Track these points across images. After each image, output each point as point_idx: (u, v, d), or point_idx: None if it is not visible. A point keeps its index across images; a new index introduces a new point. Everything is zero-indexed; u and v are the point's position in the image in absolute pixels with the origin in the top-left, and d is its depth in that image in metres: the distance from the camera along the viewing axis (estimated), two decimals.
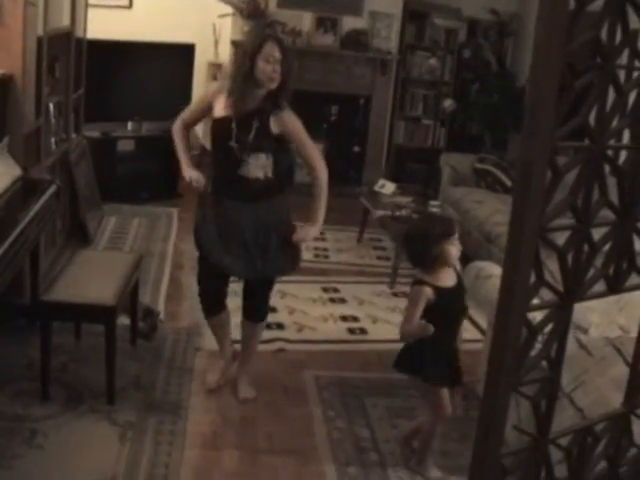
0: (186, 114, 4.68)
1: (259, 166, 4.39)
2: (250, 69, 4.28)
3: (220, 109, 4.42)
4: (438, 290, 3.87)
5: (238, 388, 4.80)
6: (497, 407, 2.01)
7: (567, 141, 1.96)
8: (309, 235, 4.54)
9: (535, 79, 1.85)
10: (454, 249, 3.91)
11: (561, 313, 2.14)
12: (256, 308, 4.76)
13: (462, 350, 5.53)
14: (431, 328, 3.74)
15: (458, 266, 4.05)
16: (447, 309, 3.95)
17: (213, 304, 4.76)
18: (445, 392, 4.02)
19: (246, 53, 4.35)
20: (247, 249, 4.44)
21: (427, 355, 3.97)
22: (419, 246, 3.92)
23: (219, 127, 4.43)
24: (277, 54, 4.26)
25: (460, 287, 4.03)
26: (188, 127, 4.68)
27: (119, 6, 8.99)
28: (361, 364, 5.29)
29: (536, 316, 2.14)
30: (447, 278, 3.95)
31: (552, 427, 2.29)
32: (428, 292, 3.86)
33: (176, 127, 4.68)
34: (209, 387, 4.79)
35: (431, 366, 3.98)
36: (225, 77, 4.50)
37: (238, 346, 4.96)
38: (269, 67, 4.26)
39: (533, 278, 2.01)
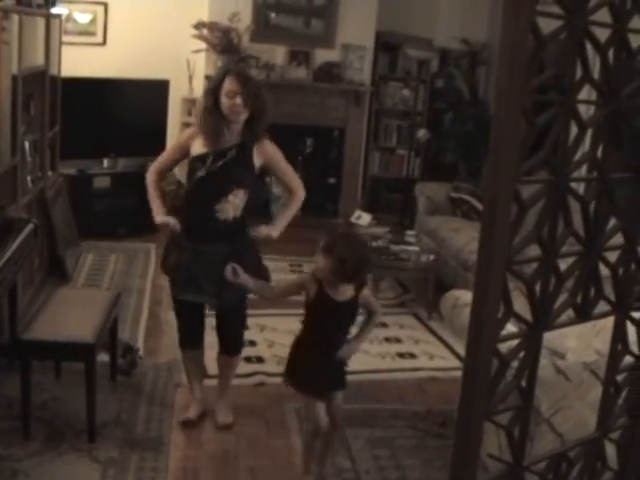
0: (161, 160, 4.70)
1: (234, 205, 4.45)
2: (215, 106, 4.38)
3: (198, 147, 4.48)
4: (322, 294, 3.95)
5: (216, 415, 4.84)
6: (471, 436, 2.05)
7: (532, 171, 2.01)
8: (269, 233, 4.58)
9: (498, 116, 1.90)
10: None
11: (531, 342, 2.18)
12: (230, 342, 4.80)
13: (440, 378, 5.60)
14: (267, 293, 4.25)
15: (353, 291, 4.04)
16: (322, 317, 4.03)
17: (190, 337, 4.80)
18: (315, 403, 4.07)
19: (209, 91, 4.45)
20: (213, 283, 4.47)
21: (299, 363, 4.09)
22: (352, 263, 3.92)
23: (196, 164, 4.47)
24: (235, 87, 4.32)
25: (347, 306, 4.02)
26: (163, 173, 4.71)
27: (93, 43, 9.03)
28: (342, 396, 5.29)
29: (507, 345, 2.19)
30: (339, 292, 3.97)
31: (533, 452, 2.33)
32: (309, 286, 4.01)
33: (150, 175, 4.69)
34: (186, 418, 4.79)
35: (300, 375, 4.08)
36: (195, 117, 4.55)
37: (212, 382, 4.99)
38: (230, 101, 4.34)
39: (502, 310, 2.06)
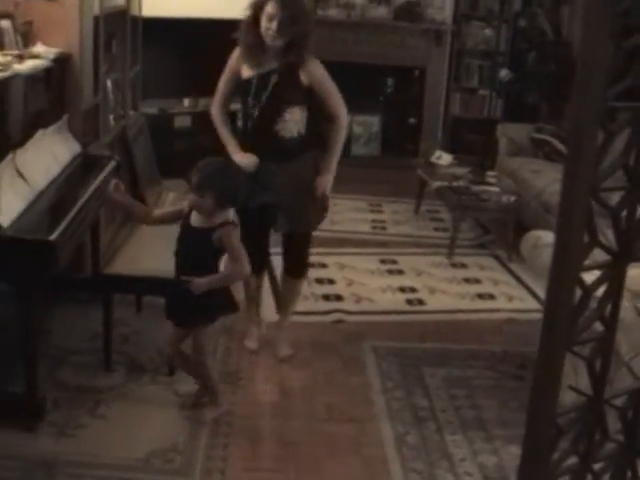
0: (219, 94, 4.75)
1: (294, 121, 4.47)
2: (255, 23, 4.39)
3: (245, 70, 4.52)
4: (186, 219, 4.02)
5: (277, 348, 4.90)
6: (552, 366, 2.02)
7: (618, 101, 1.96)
8: (325, 183, 4.58)
9: (586, 38, 1.85)
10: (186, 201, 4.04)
11: (615, 273, 2.14)
12: (295, 264, 4.85)
13: (519, 320, 5.56)
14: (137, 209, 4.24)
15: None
16: (179, 240, 4.06)
17: (253, 262, 4.81)
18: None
19: (252, 5, 4.43)
20: (279, 205, 4.54)
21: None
22: None
23: (245, 88, 4.52)
24: (273, 10, 4.30)
25: (201, 233, 3.96)
26: (226, 106, 4.76)
27: None
28: (419, 335, 5.30)
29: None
30: (197, 218, 3.99)
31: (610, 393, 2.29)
32: (184, 211, 4.07)
33: (214, 111, 4.76)
34: (251, 350, 4.91)
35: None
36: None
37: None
38: (266, 24, 4.33)
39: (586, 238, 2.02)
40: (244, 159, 4.53)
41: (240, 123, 4.68)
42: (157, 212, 4.22)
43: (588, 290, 2.06)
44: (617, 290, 2.16)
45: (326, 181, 4.60)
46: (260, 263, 4.83)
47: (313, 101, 4.53)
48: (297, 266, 4.86)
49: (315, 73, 4.49)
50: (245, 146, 4.58)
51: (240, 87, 4.57)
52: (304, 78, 4.44)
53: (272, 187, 4.51)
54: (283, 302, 5.02)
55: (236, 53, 4.63)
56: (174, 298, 4.08)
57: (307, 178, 4.56)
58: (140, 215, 4.29)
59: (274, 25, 4.30)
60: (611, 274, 2.13)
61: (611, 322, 2.19)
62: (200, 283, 3.87)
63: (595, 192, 1.94)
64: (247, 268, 4.01)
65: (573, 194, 1.89)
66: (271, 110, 4.45)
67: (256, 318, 5.02)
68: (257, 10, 4.37)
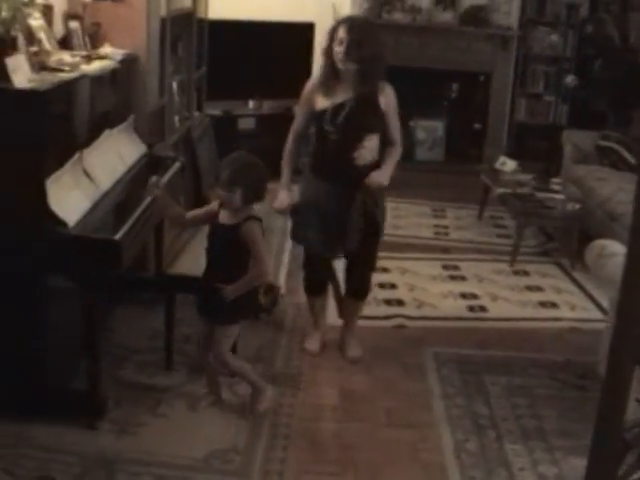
0: (296, 124, 4.76)
1: (370, 149, 4.49)
2: (330, 51, 4.43)
3: (320, 101, 4.53)
4: (214, 217, 4.03)
5: (346, 349, 4.92)
6: (620, 379, 1.99)
7: None
8: (380, 177, 4.50)
9: None
10: (219, 193, 3.99)
11: None
12: (358, 287, 4.88)
13: (581, 329, 5.51)
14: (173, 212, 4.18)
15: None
16: (209, 239, 4.08)
17: (317, 285, 4.92)
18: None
19: (327, 35, 4.49)
20: (341, 229, 4.55)
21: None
22: None
23: (320, 119, 4.52)
24: (342, 35, 4.34)
25: (228, 231, 3.97)
26: (302, 136, 4.76)
27: None
28: (480, 342, 5.26)
29: None
30: (225, 215, 4.00)
31: None
32: (214, 210, 4.07)
33: (288, 141, 4.78)
34: (312, 352, 4.92)
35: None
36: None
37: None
38: (337, 48, 4.38)
39: None
40: (277, 202, 4.70)
41: (313, 147, 4.67)
42: (189, 214, 4.19)
43: None
44: None
45: (379, 175, 4.50)
46: (323, 285, 4.89)
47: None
48: (359, 289, 4.90)
49: (391, 99, 4.52)
50: (318, 171, 4.61)
51: (315, 117, 4.57)
52: (383, 104, 4.48)
53: (340, 213, 4.52)
54: (346, 318, 5.02)
55: (309, 85, 4.66)
56: (206, 295, 4.10)
57: (373, 204, 4.58)
58: (174, 217, 4.28)
59: (342, 48, 4.34)
60: None
61: None
62: (230, 291, 3.94)
63: None
64: (268, 266, 4.16)
65: None
66: (350, 138, 4.45)
67: (320, 324, 5.03)
68: (331, 38, 4.43)
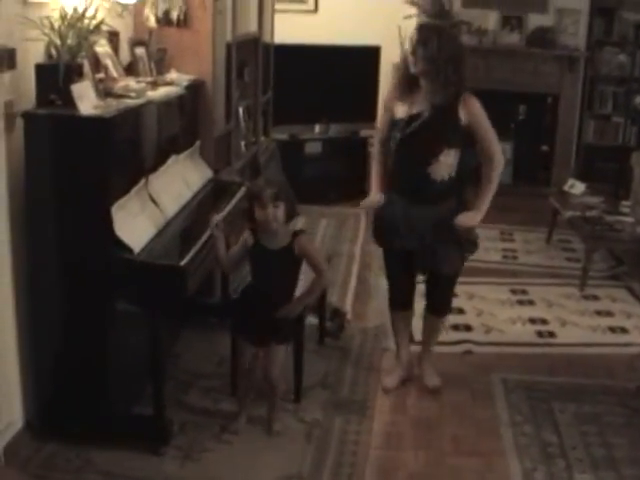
0: (378, 132, 4.74)
1: (447, 164, 4.37)
2: (407, 63, 4.36)
3: (399, 110, 4.46)
4: (257, 245, 3.99)
5: (424, 379, 4.85)
6: None
7: None
8: (471, 221, 4.43)
9: None
10: (262, 213, 3.88)
11: None
12: (438, 303, 4.78)
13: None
14: (219, 253, 4.05)
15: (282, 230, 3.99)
16: (257, 266, 4.07)
17: (400, 298, 4.80)
18: (239, 342, 4.25)
19: (407, 48, 4.39)
20: (423, 247, 4.47)
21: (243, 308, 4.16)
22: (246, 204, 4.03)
23: (395, 127, 4.45)
24: (416, 47, 4.29)
25: (282, 255, 3.97)
26: (387, 144, 4.64)
27: (305, 11, 9.12)
28: (549, 368, 5.18)
29: None
30: (271, 240, 3.97)
31: None
32: (248, 239, 4.01)
33: (375, 151, 4.75)
34: (386, 388, 4.81)
35: (242, 318, 4.15)
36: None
37: (416, 348, 5.01)
38: (411, 59, 4.31)
39: None
40: (366, 201, 4.65)
41: (391, 161, 4.61)
42: (227, 260, 4.12)
43: None
44: None
45: (471, 218, 4.43)
46: (405, 300, 4.82)
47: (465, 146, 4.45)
48: (439, 305, 4.81)
49: (474, 111, 4.34)
50: (393, 185, 4.54)
51: (394, 126, 4.50)
52: (463, 116, 4.32)
53: (417, 230, 4.45)
54: (424, 337, 4.95)
55: (389, 92, 4.65)
56: (262, 318, 4.06)
57: (451, 221, 4.43)
58: (220, 262, 4.16)
59: (416, 59, 4.28)
60: None
61: None
62: (295, 307, 4.02)
63: None
64: (328, 273, 4.17)
65: None
66: (424, 151, 4.36)
67: (403, 353, 4.93)
68: (410, 43, 4.36)
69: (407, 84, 4.41)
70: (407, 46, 4.35)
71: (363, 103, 8.54)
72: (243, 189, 5.10)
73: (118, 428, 4.06)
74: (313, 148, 8.56)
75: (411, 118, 4.36)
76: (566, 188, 7.68)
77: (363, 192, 8.44)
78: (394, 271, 4.74)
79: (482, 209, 4.42)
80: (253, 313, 4.07)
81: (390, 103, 4.54)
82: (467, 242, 4.56)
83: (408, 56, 4.32)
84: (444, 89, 4.29)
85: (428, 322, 4.87)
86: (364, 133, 8.64)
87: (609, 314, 6.14)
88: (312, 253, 4.05)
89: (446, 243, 4.44)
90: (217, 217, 4.11)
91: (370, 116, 8.50)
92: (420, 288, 4.82)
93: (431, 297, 4.77)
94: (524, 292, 6.49)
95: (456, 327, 5.63)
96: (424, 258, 4.53)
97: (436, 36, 4.30)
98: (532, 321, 5.92)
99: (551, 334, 5.72)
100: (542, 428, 4.45)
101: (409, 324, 4.94)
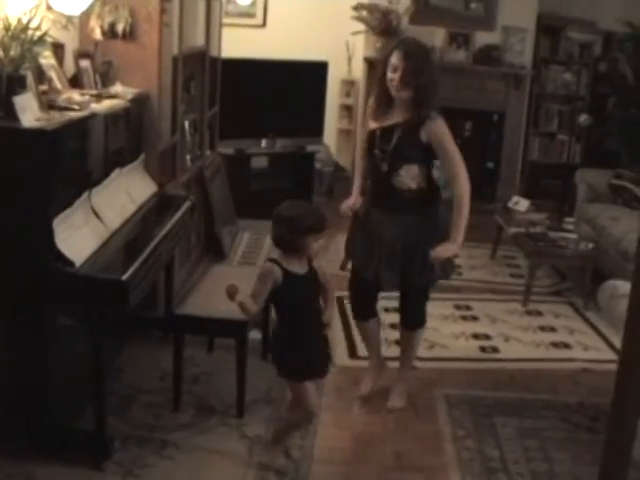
0: (359, 144, 4.81)
1: (410, 177, 4.42)
2: (383, 77, 4.38)
3: (372, 122, 4.53)
4: (287, 274, 3.80)
5: (390, 396, 4.88)
6: (623, 430, 1.96)
7: None
8: (446, 252, 4.45)
9: None
10: (317, 245, 3.89)
11: None
12: (410, 316, 4.81)
13: (594, 370, 5.45)
14: (252, 310, 3.79)
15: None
16: (294, 297, 3.87)
17: (362, 309, 4.86)
18: (305, 387, 3.96)
19: (381, 61, 4.45)
20: (392, 260, 4.49)
21: (281, 348, 3.99)
22: (286, 231, 3.83)
23: (370, 139, 4.53)
24: (397, 62, 4.29)
25: (310, 277, 3.91)
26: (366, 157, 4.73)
27: (253, 25, 9.14)
28: (492, 383, 5.22)
29: None
30: (298, 266, 3.86)
31: None
32: (277, 272, 3.78)
33: (357, 158, 4.90)
34: (360, 395, 4.90)
35: (284, 359, 3.98)
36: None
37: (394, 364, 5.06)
38: (390, 76, 4.33)
39: None
40: (344, 204, 4.72)
41: (367, 170, 4.67)
42: (255, 303, 3.82)
43: None
44: None
45: (446, 250, 4.43)
46: (365, 311, 4.86)
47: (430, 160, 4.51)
48: (411, 320, 4.84)
49: (435, 131, 4.37)
50: (369, 195, 4.63)
51: (367, 138, 4.57)
52: (423, 136, 4.36)
53: (383, 239, 4.49)
54: (400, 353, 5.00)
55: (368, 105, 4.67)
56: (318, 352, 4.00)
57: (425, 235, 4.46)
58: (248, 311, 3.85)
59: (397, 76, 4.30)
60: None
61: None
62: (329, 320, 4.01)
63: None
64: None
65: None
66: (390, 164, 4.42)
67: (371, 361, 5.03)
68: (384, 62, 4.39)
69: (383, 104, 4.46)
70: (382, 66, 4.40)
71: (310, 118, 8.56)
72: (187, 203, 5.09)
73: (59, 443, 4.02)
74: (259, 163, 8.55)
75: (384, 131, 4.44)
76: (510, 205, 7.74)
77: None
78: (356, 285, 4.78)
79: (458, 240, 4.43)
80: (317, 345, 3.99)
81: (366, 117, 4.64)
82: (447, 263, 4.65)
83: (388, 77, 4.35)
84: (422, 108, 4.34)
85: (402, 337, 4.92)
86: (311, 148, 8.65)
87: (552, 330, 6.20)
88: (324, 270, 4.03)
89: (414, 260, 4.48)
90: (231, 285, 3.80)
91: (317, 131, 8.56)
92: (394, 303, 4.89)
93: (403, 310, 4.82)
94: (468, 308, 6.54)
95: (398, 342, 5.64)
96: (392, 278, 4.55)
97: (422, 61, 4.35)
98: (475, 336, 5.96)
99: (494, 349, 5.76)
100: (484, 443, 4.48)
101: (376, 333, 4.97)
